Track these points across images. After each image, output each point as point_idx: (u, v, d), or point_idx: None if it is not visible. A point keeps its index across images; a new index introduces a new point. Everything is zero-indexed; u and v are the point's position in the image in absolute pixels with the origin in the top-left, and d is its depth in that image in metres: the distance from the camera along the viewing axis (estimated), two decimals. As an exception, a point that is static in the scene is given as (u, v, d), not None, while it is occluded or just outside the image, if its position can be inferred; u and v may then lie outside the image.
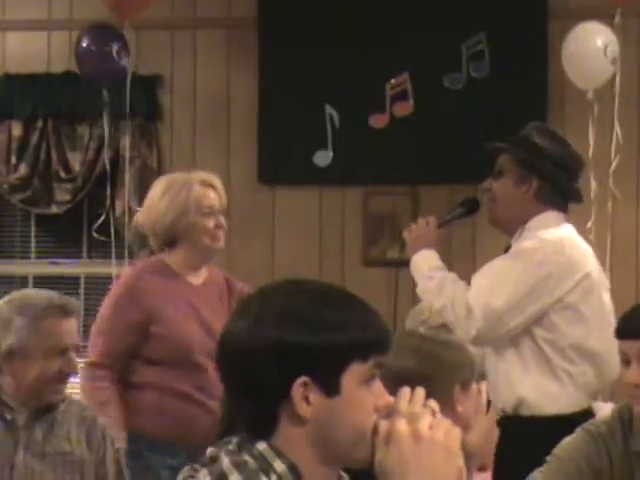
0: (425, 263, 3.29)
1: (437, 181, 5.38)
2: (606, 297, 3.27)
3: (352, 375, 1.49)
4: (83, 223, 5.73)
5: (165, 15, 5.55)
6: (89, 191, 5.60)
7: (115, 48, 5.21)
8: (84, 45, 5.29)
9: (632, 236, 5.26)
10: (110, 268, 5.56)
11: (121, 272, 5.50)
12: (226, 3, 5.62)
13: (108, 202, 5.43)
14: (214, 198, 3.45)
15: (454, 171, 5.33)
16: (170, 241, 3.45)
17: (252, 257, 5.40)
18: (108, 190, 5.43)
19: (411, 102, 5.36)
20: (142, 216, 3.50)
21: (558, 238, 3.20)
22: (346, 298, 1.54)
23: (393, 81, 5.37)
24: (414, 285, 5.41)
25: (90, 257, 5.77)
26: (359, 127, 5.38)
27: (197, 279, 3.49)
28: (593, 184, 4.96)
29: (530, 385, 3.13)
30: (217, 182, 3.50)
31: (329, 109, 5.41)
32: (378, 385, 1.53)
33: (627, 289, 4.90)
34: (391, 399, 1.53)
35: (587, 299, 3.17)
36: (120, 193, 5.50)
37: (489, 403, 2.16)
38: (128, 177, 5.47)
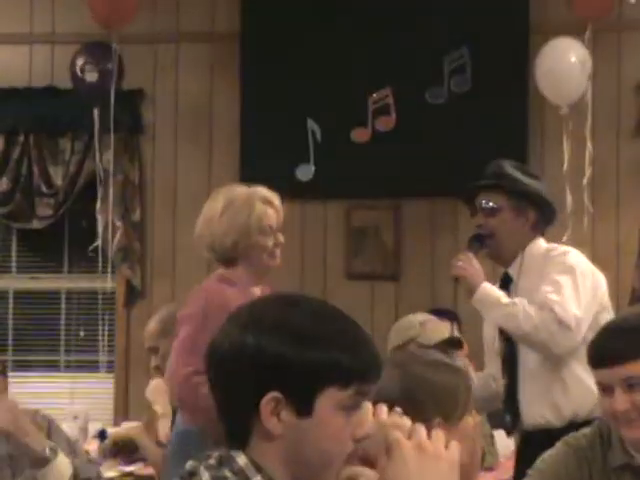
0: (494, 293, 3.39)
1: (419, 195, 5.39)
2: None
3: (328, 399, 1.46)
4: (64, 238, 5.72)
5: (148, 29, 5.56)
6: (70, 206, 5.59)
7: (79, 64, 5.22)
8: (77, 63, 5.29)
9: (611, 248, 5.27)
10: (91, 283, 5.56)
11: (105, 287, 5.51)
12: (209, 17, 5.63)
13: (99, 217, 5.42)
14: (273, 216, 3.35)
15: (436, 185, 5.34)
16: (229, 259, 3.34)
17: (234, 271, 5.39)
18: (98, 204, 5.42)
19: (393, 116, 5.38)
20: (199, 230, 3.36)
21: (580, 253, 3.46)
22: (338, 319, 1.49)
23: (375, 95, 5.38)
24: (397, 299, 5.48)
25: (71, 272, 5.76)
26: (341, 141, 5.39)
27: (258, 291, 3.37)
28: (569, 198, 5.00)
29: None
30: (276, 199, 3.39)
31: (311, 123, 5.42)
32: (360, 415, 1.49)
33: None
34: (370, 428, 1.49)
35: (610, 302, 3.42)
36: (102, 207, 5.49)
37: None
38: (112, 192, 5.46)
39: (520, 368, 3.38)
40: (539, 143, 5.31)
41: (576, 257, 3.40)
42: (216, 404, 1.52)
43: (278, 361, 1.44)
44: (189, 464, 1.53)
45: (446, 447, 1.44)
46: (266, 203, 3.36)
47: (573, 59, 4.96)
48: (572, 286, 3.30)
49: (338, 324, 1.49)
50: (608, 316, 3.30)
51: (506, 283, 3.47)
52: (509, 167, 3.49)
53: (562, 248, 3.46)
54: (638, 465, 2.33)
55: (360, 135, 5.40)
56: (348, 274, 5.47)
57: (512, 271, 3.46)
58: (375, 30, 5.41)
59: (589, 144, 5.09)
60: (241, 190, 3.39)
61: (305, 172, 5.44)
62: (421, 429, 1.44)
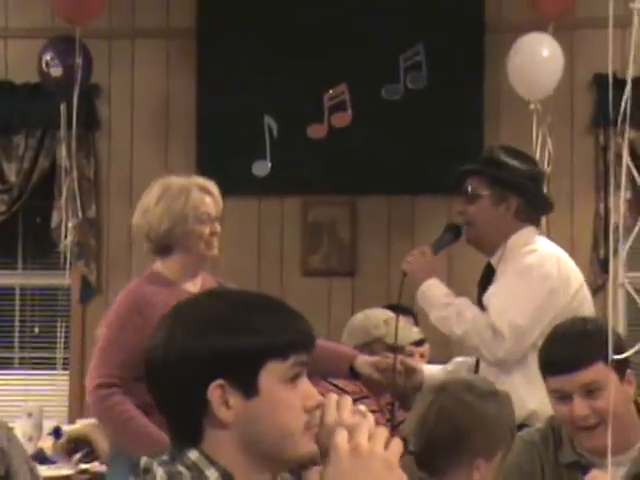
0: (435, 292, 3.29)
1: (375, 191, 5.41)
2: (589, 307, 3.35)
3: (271, 374, 1.50)
4: (19, 234, 5.68)
5: (103, 25, 5.52)
6: (25, 202, 5.55)
7: (46, 59, 5.18)
8: (43, 58, 5.24)
9: (566, 243, 5.28)
10: (45, 280, 5.51)
11: (60, 284, 5.48)
12: (165, 13, 5.61)
13: (63, 213, 5.38)
14: (210, 205, 3.35)
15: (392, 181, 5.37)
16: (164, 248, 3.33)
17: (191, 268, 5.37)
18: (63, 199, 5.38)
19: (349, 113, 5.39)
20: (136, 220, 3.36)
21: (553, 252, 3.29)
22: (263, 302, 1.55)
23: (331, 92, 5.39)
24: (354, 295, 5.49)
25: (25, 268, 5.72)
26: (297, 137, 5.39)
27: (194, 286, 3.35)
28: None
29: (537, 398, 3.06)
30: (214, 188, 3.39)
31: (268, 119, 5.42)
32: (306, 385, 1.54)
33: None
34: (321, 399, 1.53)
35: (583, 307, 3.23)
36: (56, 204, 5.45)
37: None
38: (71, 188, 5.41)
39: (480, 365, 3.34)
40: (494, 139, 5.34)
41: (539, 258, 3.22)
42: (163, 408, 1.55)
43: (212, 354, 1.48)
44: (143, 461, 1.54)
45: (386, 446, 1.45)
46: (203, 191, 3.35)
47: (545, 54, 4.98)
48: (519, 291, 3.17)
49: (265, 307, 1.54)
50: None
51: (488, 273, 3.35)
52: (500, 152, 3.34)
53: (532, 246, 3.27)
54: (587, 464, 2.33)
55: (316, 131, 5.40)
56: (305, 270, 5.48)
57: (494, 261, 3.32)
58: (331, 26, 5.41)
59: (548, 139, 5.11)
60: (177, 179, 3.38)
61: (261, 168, 5.44)
62: (363, 428, 1.46)
